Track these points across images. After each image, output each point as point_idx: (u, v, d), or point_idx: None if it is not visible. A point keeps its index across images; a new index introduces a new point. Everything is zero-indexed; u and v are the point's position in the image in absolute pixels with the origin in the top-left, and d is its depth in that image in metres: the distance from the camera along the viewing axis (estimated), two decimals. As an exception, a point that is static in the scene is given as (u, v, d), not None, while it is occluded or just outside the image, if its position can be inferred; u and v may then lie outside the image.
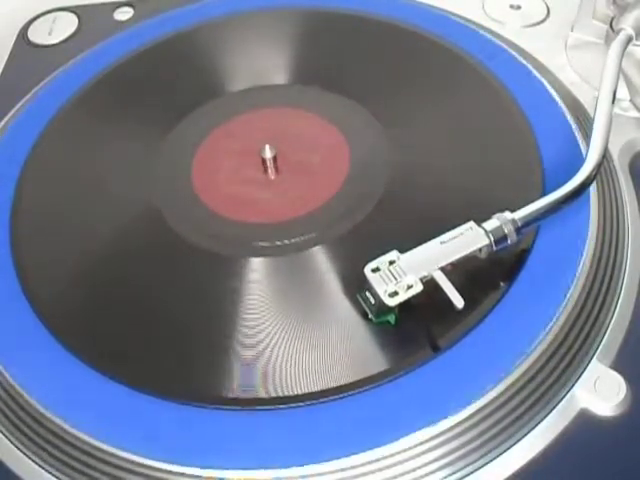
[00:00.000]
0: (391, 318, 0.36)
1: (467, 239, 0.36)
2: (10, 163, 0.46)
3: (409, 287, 0.34)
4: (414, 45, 0.50)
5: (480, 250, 0.36)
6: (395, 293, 0.34)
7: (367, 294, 0.36)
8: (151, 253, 0.41)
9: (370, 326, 0.36)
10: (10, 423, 0.36)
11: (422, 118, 0.46)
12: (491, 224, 0.36)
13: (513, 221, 0.36)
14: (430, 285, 0.35)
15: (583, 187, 0.37)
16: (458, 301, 0.34)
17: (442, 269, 0.35)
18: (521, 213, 0.37)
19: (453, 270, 0.35)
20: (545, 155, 0.42)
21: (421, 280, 0.35)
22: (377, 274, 0.35)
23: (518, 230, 0.36)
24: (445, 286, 0.34)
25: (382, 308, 0.35)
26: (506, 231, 0.36)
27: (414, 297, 0.34)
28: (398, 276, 0.35)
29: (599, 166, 0.38)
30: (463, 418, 0.33)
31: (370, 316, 0.36)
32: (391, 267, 0.35)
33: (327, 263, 0.39)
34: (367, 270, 0.35)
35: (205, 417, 0.34)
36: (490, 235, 0.36)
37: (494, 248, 0.36)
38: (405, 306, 0.35)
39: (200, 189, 0.44)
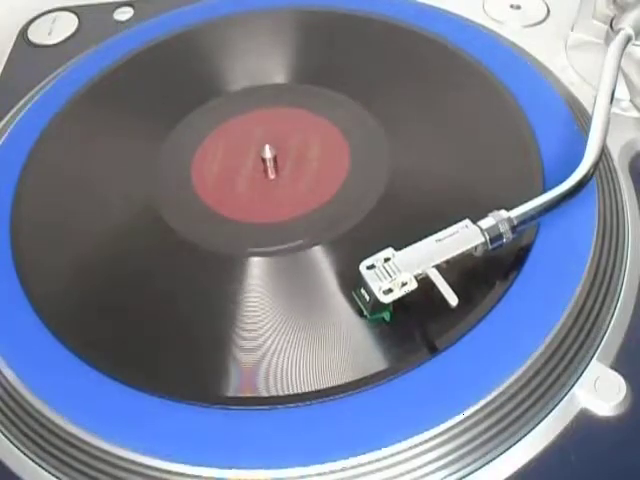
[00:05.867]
0: (386, 315, 0.36)
1: (462, 237, 0.36)
2: (10, 163, 0.46)
3: (403, 284, 0.34)
4: (414, 45, 0.50)
5: (475, 248, 0.36)
6: (390, 290, 0.34)
7: (362, 291, 0.36)
8: (151, 253, 0.41)
9: (370, 326, 0.36)
10: (10, 423, 0.36)
11: (422, 118, 0.46)
12: (487, 222, 0.36)
13: (509, 219, 0.36)
14: (426, 283, 0.35)
15: (580, 185, 0.37)
16: (452, 299, 0.34)
17: (437, 267, 0.35)
18: (517, 212, 0.37)
19: (448, 268, 0.35)
20: (545, 155, 0.42)
21: (416, 278, 0.35)
22: (372, 271, 0.35)
23: (514, 229, 0.36)
24: (439, 284, 0.34)
25: (377, 305, 0.35)
26: (502, 229, 0.36)
27: (412, 296, 0.34)
28: (393, 273, 0.35)
29: (597, 164, 0.38)
30: (463, 418, 0.33)
31: (365, 313, 0.36)
32: (386, 264, 0.35)
33: (327, 263, 0.39)
34: (362, 267, 0.35)
35: (205, 417, 0.34)
36: (485, 233, 0.36)
37: (489, 246, 0.36)
38: (404, 306, 0.35)
39: (200, 189, 0.44)
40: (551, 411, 0.34)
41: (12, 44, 0.58)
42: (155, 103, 0.50)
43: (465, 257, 0.36)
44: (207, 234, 0.42)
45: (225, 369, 0.36)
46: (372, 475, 0.32)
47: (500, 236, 0.36)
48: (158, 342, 0.37)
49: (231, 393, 0.35)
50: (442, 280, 0.34)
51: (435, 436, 0.33)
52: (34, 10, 0.60)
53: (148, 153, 0.46)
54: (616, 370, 0.35)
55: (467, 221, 0.36)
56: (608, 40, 0.46)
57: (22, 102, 0.52)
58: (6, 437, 0.36)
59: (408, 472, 0.32)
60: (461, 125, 0.45)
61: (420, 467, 0.32)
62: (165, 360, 0.37)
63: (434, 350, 0.35)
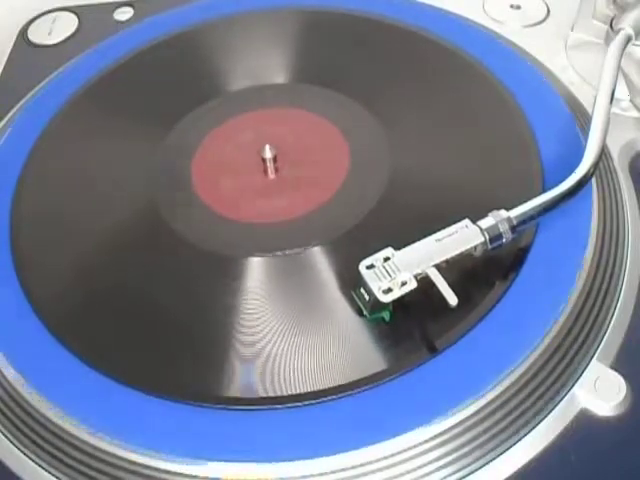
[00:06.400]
0: (385, 315, 0.36)
1: (462, 237, 0.36)
2: (10, 163, 0.46)
3: (403, 284, 0.34)
4: (414, 45, 0.50)
5: (475, 248, 0.36)
6: (389, 290, 0.34)
7: (362, 291, 0.36)
8: (151, 253, 0.41)
9: (370, 326, 0.36)
10: (10, 423, 0.36)
11: (422, 118, 0.46)
12: (486, 222, 0.36)
13: (508, 219, 0.36)
14: (426, 283, 0.35)
15: (580, 185, 0.37)
16: (452, 298, 0.34)
17: (437, 266, 0.35)
18: (516, 211, 0.37)
19: (448, 268, 0.35)
20: (545, 155, 0.42)
21: (415, 277, 0.35)
22: (371, 271, 0.35)
23: (513, 228, 0.36)
24: (439, 283, 0.34)
25: (376, 305, 0.35)
26: (501, 229, 0.36)
27: (411, 296, 0.34)
28: (392, 273, 0.35)
29: (596, 164, 0.38)
30: (463, 418, 0.33)
31: (364, 313, 0.36)
32: (386, 264, 0.35)
33: (326, 263, 0.39)
34: (362, 267, 0.35)
35: (204, 417, 0.34)
36: (485, 233, 0.36)
37: (489, 246, 0.36)
38: (404, 306, 0.35)
39: (200, 189, 0.44)
40: (551, 411, 0.34)
41: (12, 44, 0.58)
42: (155, 103, 0.50)
43: (465, 257, 0.36)
44: (207, 234, 0.42)
45: (225, 369, 0.36)
46: (372, 475, 0.32)
47: (500, 236, 0.36)
48: (158, 342, 0.37)
49: (231, 393, 0.35)
50: (442, 280, 0.34)
51: (435, 436, 0.33)
52: (34, 10, 0.60)
53: (148, 153, 0.46)
54: (616, 370, 0.35)
55: (467, 221, 0.36)
56: (608, 40, 0.46)
57: (22, 102, 0.52)
58: (6, 437, 0.36)
59: (408, 472, 0.32)
60: (461, 125, 0.45)
61: (420, 467, 0.32)
62: (165, 360, 0.37)
63: (434, 350, 0.35)
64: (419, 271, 0.35)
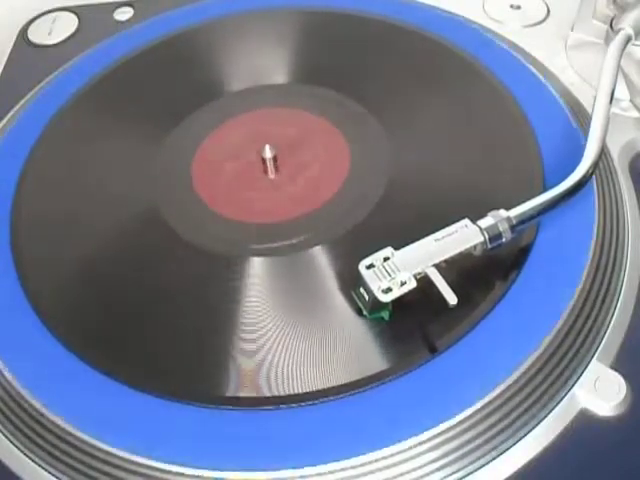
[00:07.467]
0: (385, 314, 0.36)
1: (461, 236, 0.36)
2: (10, 163, 0.46)
3: (403, 284, 0.34)
4: (414, 45, 0.50)
5: (475, 248, 0.36)
6: (389, 289, 0.34)
7: (361, 290, 0.36)
8: (151, 253, 0.41)
9: (370, 326, 0.36)
10: (10, 423, 0.36)
11: (422, 118, 0.46)
12: (486, 222, 0.36)
13: (508, 219, 0.36)
14: (426, 283, 0.35)
15: (580, 185, 0.37)
16: (451, 298, 0.34)
17: (436, 266, 0.35)
18: (516, 211, 0.37)
19: (447, 268, 0.35)
20: (545, 155, 0.42)
21: (415, 277, 0.35)
22: (371, 270, 0.35)
23: (513, 228, 0.36)
24: (438, 283, 0.34)
25: (376, 304, 0.35)
26: (501, 229, 0.36)
27: (411, 295, 0.34)
28: (392, 272, 0.35)
29: (596, 164, 0.38)
30: (463, 418, 0.33)
31: (364, 312, 0.36)
32: (385, 263, 0.35)
33: (327, 263, 0.39)
34: (361, 266, 0.35)
35: (204, 417, 0.34)
36: (485, 233, 0.36)
37: (488, 246, 0.36)
38: (404, 306, 0.35)
39: (200, 189, 0.44)
40: (551, 411, 0.34)
41: (12, 44, 0.58)
42: (155, 103, 0.50)
43: (464, 257, 0.36)
44: (207, 234, 0.42)
45: (225, 369, 0.36)
46: (372, 475, 0.32)
47: (499, 235, 0.36)
48: (158, 342, 0.37)
49: (231, 393, 0.35)
50: (441, 279, 0.34)
51: (435, 436, 0.33)
52: (34, 10, 0.60)
53: (148, 153, 0.47)
54: (616, 370, 0.35)
55: (466, 220, 0.36)
56: (608, 40, 0.46)
57: (22, 102, 0.52)
58: (6, 437, 0.36)
59: (408, 472, 0.32)
60: (461, 125, 0.45)
61: (420, 467, 0.32)
62: (165, 360, 0.37)
63: (434, 350, 0.35)
64: (419, 271, 0.35)
